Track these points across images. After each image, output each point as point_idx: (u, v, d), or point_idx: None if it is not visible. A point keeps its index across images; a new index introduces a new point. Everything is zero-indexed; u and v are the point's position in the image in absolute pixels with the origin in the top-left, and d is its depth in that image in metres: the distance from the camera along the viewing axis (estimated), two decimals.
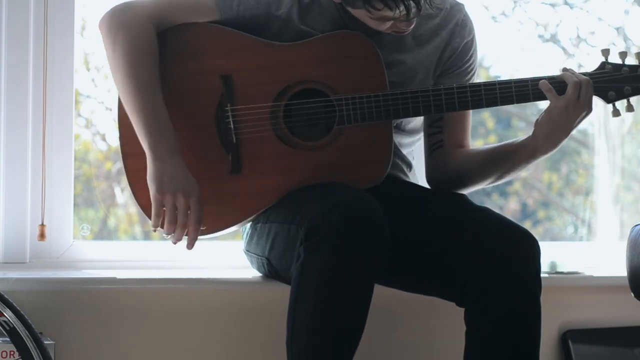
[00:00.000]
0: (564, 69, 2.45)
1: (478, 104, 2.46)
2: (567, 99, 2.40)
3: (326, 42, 2.47)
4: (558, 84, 2.43)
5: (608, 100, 2.47)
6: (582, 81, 2.41)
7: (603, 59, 2.47)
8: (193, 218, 2.36)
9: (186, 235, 2.38)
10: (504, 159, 2.51)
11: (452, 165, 2.58)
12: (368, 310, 2.25)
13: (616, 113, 2.48)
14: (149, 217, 2.45)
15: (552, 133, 2.43)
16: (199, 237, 2.41)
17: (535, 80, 2.44)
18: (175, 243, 2.40)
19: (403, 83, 2.51)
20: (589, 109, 2.43)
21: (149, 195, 2.42)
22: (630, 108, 2.47)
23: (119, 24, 2.43)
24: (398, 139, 2.57)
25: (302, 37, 2.48)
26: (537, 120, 2.45)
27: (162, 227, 2.38)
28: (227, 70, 2.46)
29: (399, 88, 2.49)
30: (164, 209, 2.37)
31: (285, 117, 2.46)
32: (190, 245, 2.39)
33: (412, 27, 2.43)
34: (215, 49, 2.48)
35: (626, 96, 2.47)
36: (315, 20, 2.50)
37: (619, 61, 2.47)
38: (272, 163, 2.44)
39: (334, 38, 2.48)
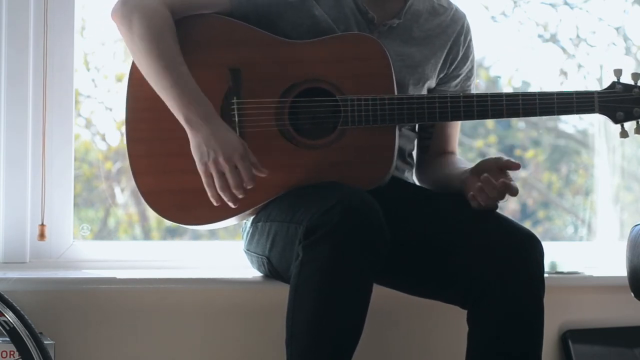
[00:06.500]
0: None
1: (483, 114, 2.46)
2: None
3: (337, 42, 2.48)
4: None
5: (616, 120, 2.45)
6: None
7: (615, 79, 2.45)
8: (243, 175, 2.33)
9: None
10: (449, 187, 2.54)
11: (429, 172, 2.64)
12: (367, 310, 2.25)
13: (624, 134, 2.46)
14: (149, 205, 2.46)
15: None
16: (199, 228, 2.44)
17: (544, 95, 2.44)
18: (235, 205, 2.36)
19: (411, 75, 2.53)
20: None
21: (150, 182, 2.44)
22: (639, 130, 2.46)
23: (132, 8, 2.43)
24: (403, 141, 2.58)
25: (315, 26, 2.48)
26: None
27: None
28: (235, 63, 2.47)
29: (406, 84, 2.51)
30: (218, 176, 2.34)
31: (291, 114, 2.46)
32: (235, 203, 2.35)
33: None
34: (226, 41, 2.48)
35: (635, 118, 2.45)
36: (328, 5, 2.50)
37: (631, 82, 2.44)
38: (274, 159, 2.44)
39: (345, 39, 2.48)
